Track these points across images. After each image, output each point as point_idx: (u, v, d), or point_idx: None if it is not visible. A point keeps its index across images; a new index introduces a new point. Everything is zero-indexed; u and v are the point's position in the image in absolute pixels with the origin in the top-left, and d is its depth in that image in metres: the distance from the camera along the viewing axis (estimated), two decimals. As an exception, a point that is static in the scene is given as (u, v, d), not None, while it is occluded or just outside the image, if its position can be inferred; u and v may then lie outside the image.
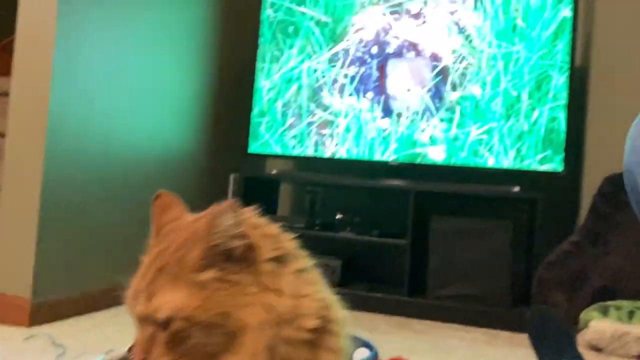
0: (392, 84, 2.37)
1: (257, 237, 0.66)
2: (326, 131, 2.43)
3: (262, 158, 2.75)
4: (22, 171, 1.63)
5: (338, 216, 2.38)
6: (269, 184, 2.68)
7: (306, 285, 0.67)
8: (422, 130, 2.31)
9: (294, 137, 2.47)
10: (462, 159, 2.25)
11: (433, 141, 2.30)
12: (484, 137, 2.23)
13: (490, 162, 2.22)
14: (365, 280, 2.41)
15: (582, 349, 1.83)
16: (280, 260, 0.67)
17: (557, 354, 1.34)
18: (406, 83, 2.35)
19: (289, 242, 0.70)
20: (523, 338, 1.58)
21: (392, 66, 2.37)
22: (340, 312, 0.70)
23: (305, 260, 0.70)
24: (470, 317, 2.08)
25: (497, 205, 2.41)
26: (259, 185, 2.55)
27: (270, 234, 0.68)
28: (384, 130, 2.36)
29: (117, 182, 1.92)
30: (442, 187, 2.28)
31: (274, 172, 2.59)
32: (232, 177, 2.62)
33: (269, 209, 2.64)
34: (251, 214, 0.70)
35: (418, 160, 2.31)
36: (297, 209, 2.80)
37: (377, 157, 2.36)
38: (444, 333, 1.95)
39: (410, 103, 2.34)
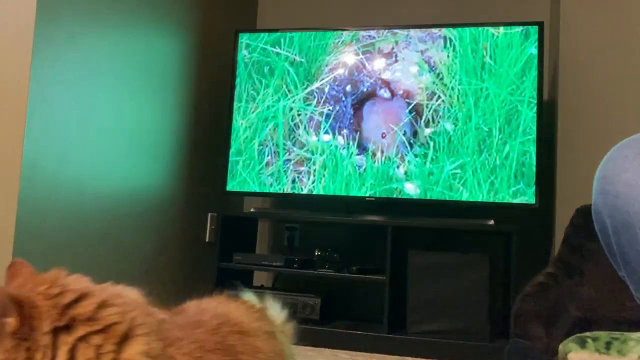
0: (367, 122, 2.41)
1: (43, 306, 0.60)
2: (303, 168, 2.45)
3: (239, 196, 2.76)
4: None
5: (317, 253, 2.39)
6: (247, 222, 2.67)
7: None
8: (398, 166, 2.34)
9: (271, 174, 2.48)
10: (438, 193, 2.29)
11: (409, 176, 2.33)
12: (458, 171, 2.27)
13: (465, 196, 2.25)
14: (344, 317, 2.41)
15: (561, 381, 1.84)
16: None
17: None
18: (380, 120, 2.39)
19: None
20: (502, 373, 1.58)
21: (366, 104, 2.42)
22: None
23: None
24: (450, 352, 2.08)
25: (473, 239, 2.44)
26: (237, 223, 2.55)
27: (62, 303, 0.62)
28: (360, 167, 2.39)
29: (94, 229, 1.91)
30: (419, 221, 2.30)
31: (252, 209, 2.59)
32: (210, 216, 2.62)
33: (248, 248, 2.65)
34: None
35: (394, 196, 2.33)
36: (275, 246, 2.80)
37: (354, 193, 2.38)
38: (425, 369, 1.94)
39: (385, 140, 2.37)
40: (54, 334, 0.59)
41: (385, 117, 2.39)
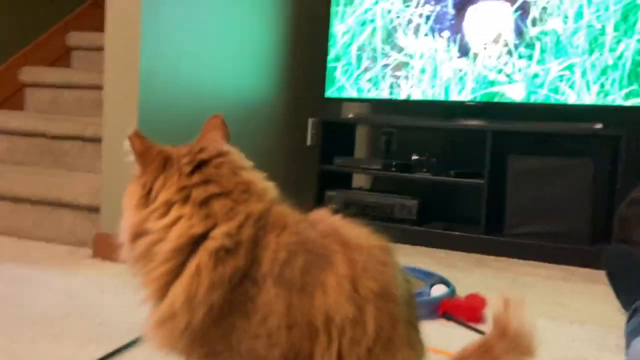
0: (469, 22, 2.32)
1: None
2: (401, 73, 2.44)
3: (338, 102, 2.81)
4: (119, 121, 1.78)
5: (414, 157, 2.42)
6: (346, 127, 2.74)
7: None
8: (501, 69, 2.27)
9: (369, 80, 2.50)
10: (543, 96, 2.21)
11: (512, 79, 2.26)
12: (566, 73, 2.17)
13: (572, 99, 2.16)
14: (442, 219, 2.46)
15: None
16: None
17: (633, 291, 1.35)
18: (484, 20, 2.30)
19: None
20: (600, 275, 1.59)
21: (469, 3, 2.32)
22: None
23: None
24: (547, 255, 2.10)
25: (578, 143, 2.36)
26: (337, 128, 2.62)
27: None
28: (461, 70, 2.34)
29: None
30: (521, 126, 2.25)
31: (351, 115, 2.64)
32: (310, 121, 2.71)
33: (346, 151, 2.73)
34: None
35: (496, 100, 2.28)
36: (373, 151, 2.86)
37: (454, 97, 2.35)
38: (521, 270, 1.98)
39: (488, 40, 2.29)
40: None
41: (489, 16, 2.29)
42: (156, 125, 1.82)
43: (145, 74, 1.77)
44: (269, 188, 0.75)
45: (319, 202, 2.49)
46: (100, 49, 2.18)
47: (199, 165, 0.73)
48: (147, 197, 0.73)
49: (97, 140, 2.08)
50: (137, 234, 0.72)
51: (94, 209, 1.88)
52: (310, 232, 0.71)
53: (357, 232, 0.73)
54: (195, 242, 0.69)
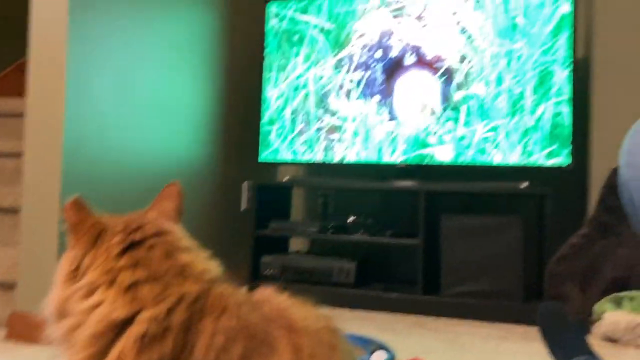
0: (398, 87, 2.40)
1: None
2: (335, 136, 2.47)
3: (273, 165, 2.80)
4: (40, 191, 1.69)
5: (350, 219, 2.42)
6: (281, 190, 2.72)
7: None
8: (429, 131, 2.34)
9: (304, 143, 2.51)
10: (470, 157, 2.28)
11: (441, 141, 2.33)
12: (491, 134, 2.26)
13: (498, 159, 2.25)
14: (379, 280, 2.45)
15: (597, 341, 1.86)
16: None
17: (567, 348, 1.36)
18: (411, 85, 2.38)
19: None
20: (536, 332, 1.60)
21: (397, 69, 2.41)
22: None
23: None
24: (484, 313, 2.11)
25: (506, 202, 2.44)
26: (272, 192, 2.61)
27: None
28: (392, 133, 2.40)
29: (133, 198, 1.98)
30: (451, 186, 2.31)
31: (286, 178, 2.63)
32: (244, 185, 2.68)
33: (282, 215, 2.70)
34: None
35: (426, 161, 2.34)
36: (310, 213, 2.85)
37: (386, 159, 2.40)
38: (459, 330, 1.98)
39: (417, 104, 2.37)
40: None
41: (416, 81, 2.38)
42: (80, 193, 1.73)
43: (70, 141, 1.70)
44: (210, 268, 0.72)
45: (255, 268, 2.43)
46: (21, 115, 2.10)
47: (131, 246, 0.69)
48: (75, 272, 0.70)
49: (14, 211, 1.96)
50: (61, 313, 0.68)
51: (9, 286, 1.75)
52: (253, 315, 0.67)
53: (305, 313, 0.69)
54: (119, 327, 0.65)
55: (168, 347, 0.63)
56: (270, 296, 0.71)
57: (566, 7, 2.19)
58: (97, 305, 0.66)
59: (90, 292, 0.67)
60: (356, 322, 2.01)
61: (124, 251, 0.69)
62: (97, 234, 0.71)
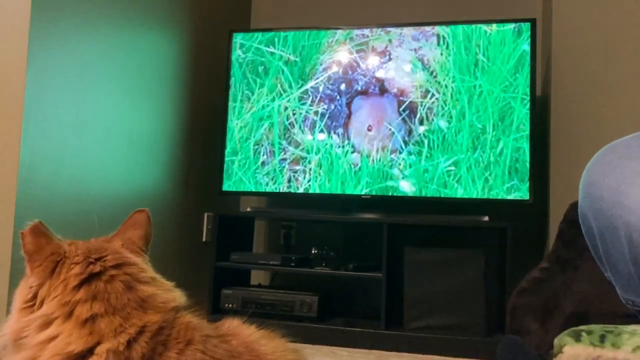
0: (362, 120, 2.42)
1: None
2: (298, 167, 2.46)
3: (236, 196, 2.77)
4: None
5: (313, 251, 2.40)
6: (243, 221, 2.69)
7: None
8: (392, 164, 2.36)
9: (267, 174, 2.49)
10: (432, 190, 2.30)
11: (404, 174, 2.34)
12: (452, 168, 2.29)
13: (460, 193, 2.27)
14: (342, 314, 2.42)
15: (557, 375, 1.86)
16: None
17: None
18: (375, 118, 2.41)
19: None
20: (498, 367, 1.60)
21: (361, 103, 2.43)
22: None
23: None
24: (447, 347, 2.10)
25: (468, 235, 2.46)
26: (233, 223, 2.56)
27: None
28: (355, 165, 2.40)
29: (90, 226, 1.92)
30: (414, 219, 2.32)
31: (248, 209, 2.60)
32: (206, 215, 2.63)
33: (244, 247, 2.66)
34: None
35: (390, 193, 2.35)
36: (272, 245, 2.81)
37: (350, 191, 2.39)
38: (422, 365, 1.96)
39: (380, 138, 2.39)
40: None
41: (379, 115, 2.40)
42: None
43: (25, 168, 1.64)
44: (173, 298, 0.69)
45: (215, 301, 2.37)
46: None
47: (90, 278, 0.66)
48: (32, 301, 0.67)
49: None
50: (17, 343, 0.65)
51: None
52: (219, 349, 0.64)
53: (273, 346, 0.67)
54: (77, 359, 0.62)
55: None
56: (237, 328, 0.69)
57: (525, 46, 2.27)
58: (52, 339, 0.63)
59: (46, 325, 0.64)
60: (319, 358, 1.97)
61: (82, 283, 0.66)
62: (55, 263, 0.68)
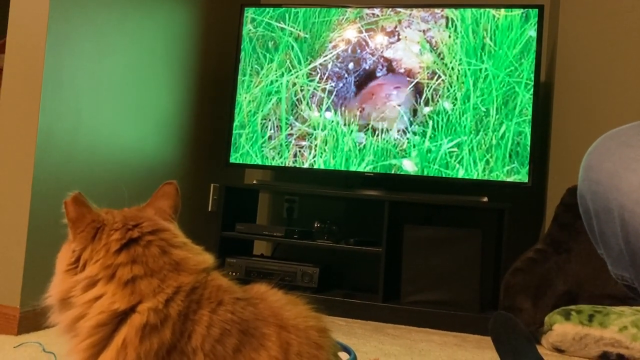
0: (368, 99, 2.47)
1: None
2: (304, 143, 2.51)
3: (242, 168, 2.82)
4: (11, 182, 1.68)
5: (315, 225, 2.47)
6: (248, 193, 2.75)
7: None
8: (397, 143, 2.41)
9: (273, 148, 2.55)
10: (434, 170, 2.36)
11: (407, 154, 2.40)
12: (455, 150, 2.34)
13: (461, 174, 2.33)
14: (342, 287, 2.50)
15: (546, 350, 1.95)
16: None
17: (517, 355, 1.43)
18: (381, 98, 2.45)
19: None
20: (490, 341, 1.67)
21: (368, 82, 2.47)
22: None
23: None
24: (441, 322, 2.19)
25: (467, 215, 2.53)
26: (239, 194, 2.63)
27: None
28: (360, 143, 2.46)
29: (103, 193, 1.98)
30: (415, 197, 2.38)
31: (254, 181, 2.66)
32: (212, 186, 2.69)
33: (248, 218, 2.72)
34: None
35: (392, 172, 2.41)
36: (275, 218, 2.88)
37: (354, 168, 2.45)
38: (417, 337, 2.04)
39: (385, 117, 2.44)
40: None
41: (386, 95, 2.45)
42: (52, 185, 1.73)
43: (43, 134, 1.69)
44: (204, 261, 0.76)
45: (219, 268, 2.44)
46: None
47: (129, 243, 0.73)
48: (75, 264, 0.73)
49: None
50: (64, 302, 0.72)
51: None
52: (247, 311, 0.71)
53: (297, 312, 0.74)
54: (120, 317, 0.69)
55: (167, 335, 0.67)
56: (265, 293, 0.76)
57: (532, 32, 2.30)
58: (98, 298, 0.70)
59: (90, 285, 0.71)
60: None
61: (122, 247, 0.72)
62: (96, 230, 0.74)
